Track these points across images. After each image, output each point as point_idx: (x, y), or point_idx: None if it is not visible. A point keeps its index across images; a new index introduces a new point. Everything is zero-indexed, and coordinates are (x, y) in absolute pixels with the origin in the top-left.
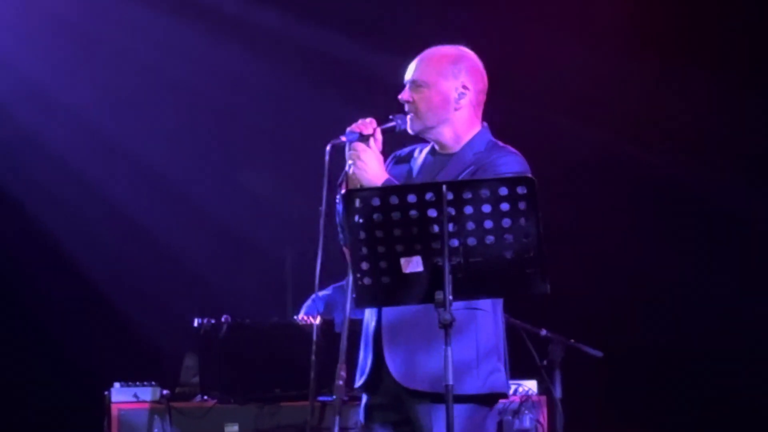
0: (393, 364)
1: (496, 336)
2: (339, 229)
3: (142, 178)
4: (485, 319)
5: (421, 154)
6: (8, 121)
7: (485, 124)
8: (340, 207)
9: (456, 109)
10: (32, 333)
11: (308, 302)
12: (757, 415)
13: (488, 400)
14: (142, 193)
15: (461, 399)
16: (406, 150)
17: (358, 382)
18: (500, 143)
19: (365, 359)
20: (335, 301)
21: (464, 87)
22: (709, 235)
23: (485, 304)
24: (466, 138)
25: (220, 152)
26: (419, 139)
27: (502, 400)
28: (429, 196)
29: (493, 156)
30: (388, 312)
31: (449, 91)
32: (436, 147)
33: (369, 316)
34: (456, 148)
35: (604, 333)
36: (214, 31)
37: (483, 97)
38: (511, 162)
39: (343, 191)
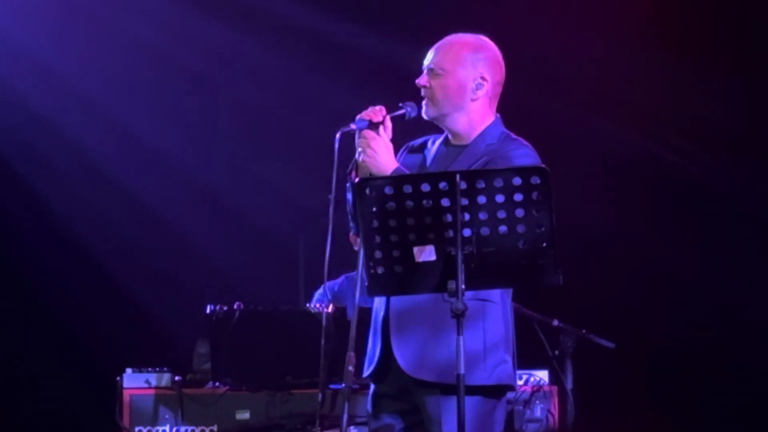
0: (400, 355)
1: (505, 328)
2: (350, 217)
3: (157, 165)
4: (494, 311)
5: (434, 145)
6: (24, 107)
7: (498, 115)
8: (350, 195)
9: (472, 100)
10: (45, 318)
11: (319, 290)
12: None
13: (495, 391)
14: (156, 180)
15: (469, 390)
16: (419, 140)
17: (367, 371)
18: (513, 135)
19: (374, 348)
20: (345, 291)
21: (482, 78)
22: (724, 230)
23: (494, 295)
24: (480, 129)
25: (234, 140)
26: (429, 128)
27: (512, 391)
28: (443, 185)
29: (505, 148)
30: (397, 302)
31: (467, 80)
32: (450, 137)
33: (378, 304)
34: (469, 138)
35: (616, 324)
36: (230, 20)
37: (500, 89)
38: (523, 155)
39: (353, 179)
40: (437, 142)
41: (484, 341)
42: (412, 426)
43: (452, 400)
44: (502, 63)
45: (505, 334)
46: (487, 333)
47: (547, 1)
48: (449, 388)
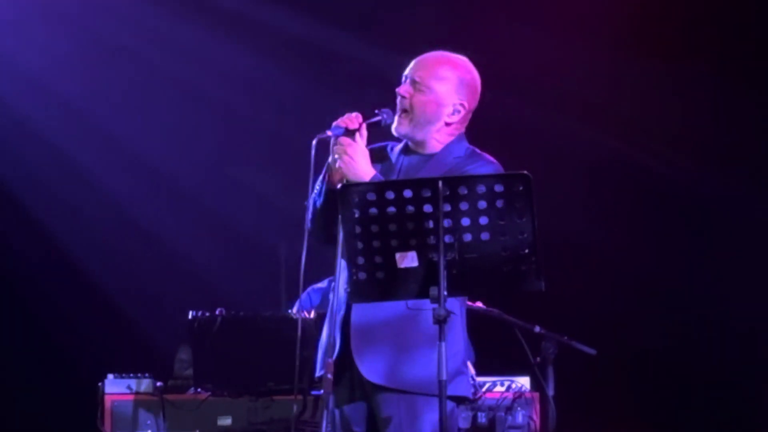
0: (360, 361)
1: (463, 339)
2: (311, 217)
3: (138, 172)
4: (456, 323)
5: (393, 152)
6: (6, 114)
7: (462, 130)
8: (318, 200)
9: (447, 123)
10: (27, 325)
11: (303, 295)
12: (747, 415)
13: (451, 400)
14: (138, 187)
15: (428, 395)
16: (377, 146)
17: (320, 372)
18: (478, 150)
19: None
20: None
21: (461, 105)
22: (707, 237)
23: (455, 307)
24: (445, 142)
25: (215, 146)
26: None
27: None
28: (425, 191)
29: (472, 164)
30: (358, 311)
31: (447, 103)
32: (411, 144)
33: (336, 305)
34: (433, 149)
35: (598, 330)
36: (213, 26)
37: (471, 115)
38: (490, 171)
39: (324, 184)
40: (396, 150)
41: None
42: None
43: (409, 401)
44: (480, 90)
45: (464, 345)
46: (449, 344)
47: (529, 10)
48: (403, 392)
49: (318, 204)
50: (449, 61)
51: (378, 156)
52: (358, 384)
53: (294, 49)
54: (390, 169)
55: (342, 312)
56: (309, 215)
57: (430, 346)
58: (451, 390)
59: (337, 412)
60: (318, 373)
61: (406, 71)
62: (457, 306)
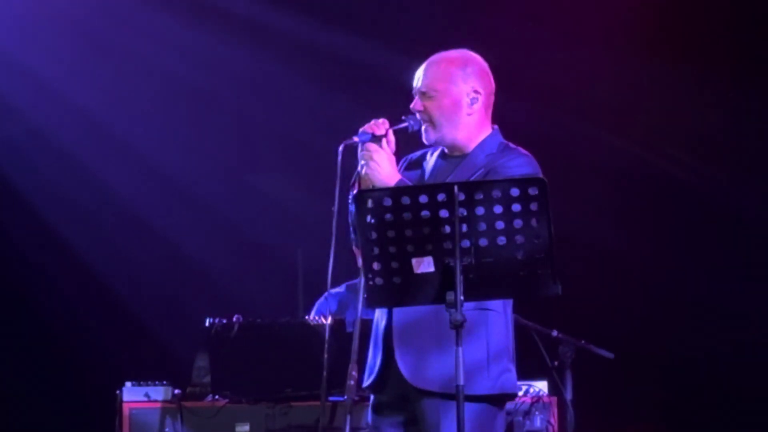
0: (404, 364)
1: (507, 336)
2: (351, 229)
3: (154, 179)
4: (496, 320)
5: (432, 157)
6: (21, 121)
7: (496, 126)
8: (352, 207)
9: (468, 114)
10: (45, 332)
11: (321, 300)
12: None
13: (498, 400)
14: (154, 194)
15: (472, 399)
16: (417, 154)
17: (367, 381)
18: (511, 145)
19: (374, 359)
20: (348, 300)
21: (476, 92)
22: (725, 240)
23: (496, 304)
24: (478, 139)
25: (231, 153)
26: None
27: (512, 400)
28: (441, 196)
29: (504, 158)
30: (399, 312)
31: (461, 96)
32: (446, 150)
33: (379, 315)
34: (467, 149)
35: (615, 334)
36: (227, 32)
37: (493, 99)
38: (522, 164)
39: (355, 191)
40: (435, 155)
41: (487, 350)
42: None
43: (452, 407)
44: (490, 73)
45: (508, 343)
46: (491, 342)
47: (548, 14)
48: (450, 396)
49: (353, 212)
50: (445, 59)
51: (417, 163)
52: (399, 392)
53: (310, 54)
54: (424, 175)
55: (384, 321)
56: (335, 221)
57: (472, 349)
58: (499, 387)
59: (376, 419)
60: (364, 384)
61: (414, 88)
62: (500, 304)
